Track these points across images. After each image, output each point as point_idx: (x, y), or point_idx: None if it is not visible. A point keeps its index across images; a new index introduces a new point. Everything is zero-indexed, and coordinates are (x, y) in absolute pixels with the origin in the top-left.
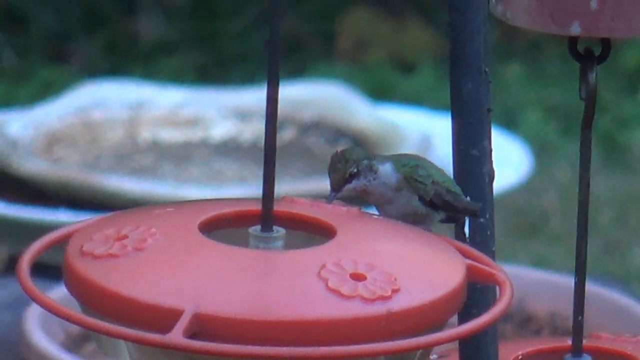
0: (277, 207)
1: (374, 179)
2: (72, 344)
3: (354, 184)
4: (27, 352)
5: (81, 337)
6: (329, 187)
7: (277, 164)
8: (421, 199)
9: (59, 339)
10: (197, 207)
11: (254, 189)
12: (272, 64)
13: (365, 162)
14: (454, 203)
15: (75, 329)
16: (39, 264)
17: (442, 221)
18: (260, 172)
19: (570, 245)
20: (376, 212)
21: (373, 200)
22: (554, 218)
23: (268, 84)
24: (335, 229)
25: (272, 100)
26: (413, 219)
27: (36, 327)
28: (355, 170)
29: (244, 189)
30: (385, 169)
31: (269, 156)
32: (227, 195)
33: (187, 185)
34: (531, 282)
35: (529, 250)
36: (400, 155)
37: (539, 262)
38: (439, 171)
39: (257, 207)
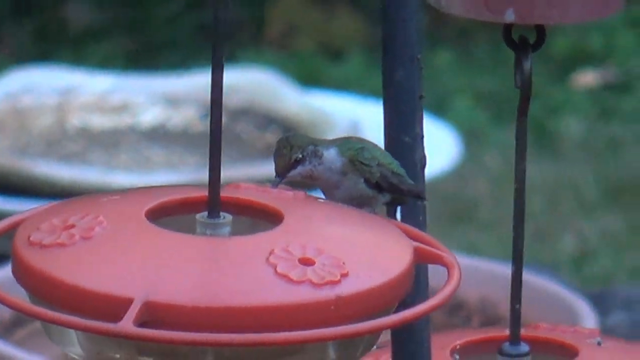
0: (223, 193)
1: (319, 164)
2: (3, 330)
3: (299, 169)
4: None
5: (12, 324)
6: (273, 172)
7: (205, 151)
8: (367, 181)
9: None
10: (143, 195)
11: (183, 175)
12: (216, 48)
13: (311, 147)
14: (399, 185)
15: (6, 315)
16: None
17: (386, 204)
18: (189, 159)
19: (500, 232)
20: (322, 196)
21: (320, 185)
22: (484, 205)
23: (213, 69)
24: (282, 214)
25: (216, 85)
26: (359, 202)
27: None
28: (300, 156)
29: (173, 175)
30: (330, 154)
31: (215, 142)
32: (156, 181)
33: (116, 172)
34: (462, 269)
35: (459, 237)
36: (345, 139)
37: (469, 249)
38: (384, 153)
39: (204, 193)
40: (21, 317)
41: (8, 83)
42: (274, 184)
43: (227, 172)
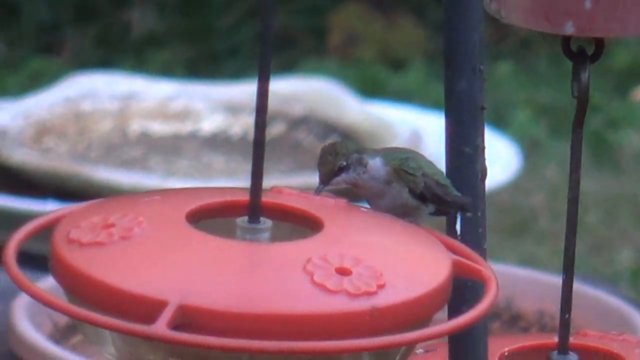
0: (265, 198)
1: (364, 173)
2: (60, 335)
3: (342, 177)
4: (14, 342)
5: (68, 329)
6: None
7: (265, 159)
8: (411, 191)
9: (47, 330)
10: (184, 196)
11: (242, 183)
12: (263, 57)
13: (355, 155)
14: (444, 196)
15: (62, 320)
16: (31, 254)
17: (431, 214)
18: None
19: (557, 244)
20: (364, 205)
21: (363, 194)
22: (542, 217)
23: (259, 78)
24: (323, 222)
25: (262, 93)
26: (402, 212)
27: (23, 317)
28: (344, 163)
29: (232, 182)
30: (375, 163)
31: (258, 146)
32: None
33: (176, 178)
34: (519, 280)
35: (516, 249)
36: (391, 148)
37: (527, 261)
38: (429, 163)
39: (245, 197)
40: (75, 320)
41: (69, 88)
42: (317, 191)
43: (284, 180)
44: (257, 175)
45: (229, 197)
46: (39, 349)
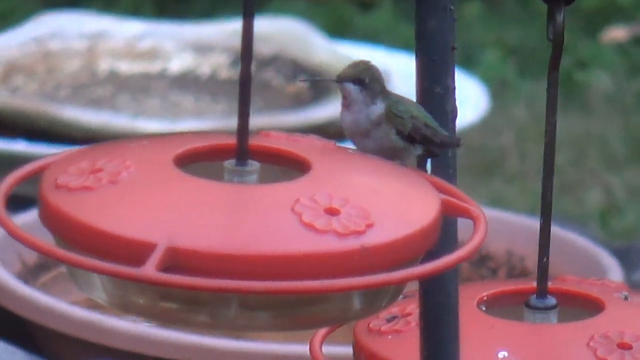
0: (252, 141)
1: (365, 105)
2: (29, 274)
3: (352, 87)
4: None
5: (38, 267)
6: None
7: (233, 98)
8: (399, 132)
9: (15, 269)
10: (172, 141)
11: (211, 122)
12: None
13: (378, 87)
14: (432, 137)
15: (32, 258)
16: (18, 196)
17: (420, 156)
18: (216, 106)
19: (526, 184)
20: (353, 147)
21: (349, 132)
22: (511, 157)
23: (244, 16)
24: (311, 163)
25: (247, 32)
26: (390, 154)
27: None
28: (366, 80)
29: (201, 122)
30: (378, 105)
31: (244, 89)
32: (183, 128)
33: (144, 117)
34: (488, 220)
35: (485, 189)
36: (397, 95)
37: (496, 201)
38: (418, 107)
39: (232, 140)
40: (46, 261)
41: (36, 27)
42: (325, 79)
43: (254, 120)
44: (243, 117)
45: (216, 141)
46: (7, 288)
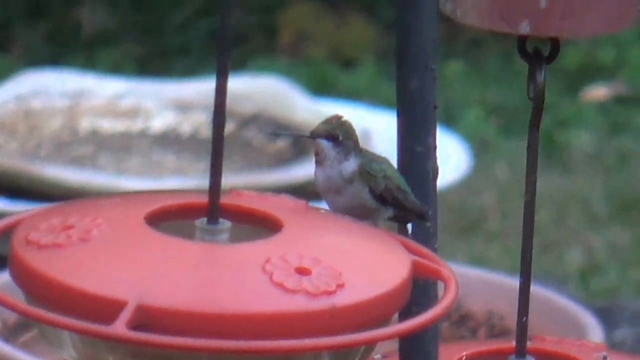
0: (224, 200)
1: (338, 161)
2: (9, 333)
3: (326, 144)
4: None
5: (18, 326)
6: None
7: None
8: (371, 191)
9: None
10: (143, 199)
11: (193, 181)
12: (221, 55)
13: (351, 144)
14: (403, 201)
15: (12, 317)
16: None
17: (390, 219)
18: (198, 164)
19: (507, 244)
20: (325, 207)
21: (322, 188)
22: (492, 217)
23: (217, 75)
24: (282, 223)
25: (220, 91)
26: (361, 212)
27: None
28: (340, 137)
29: (183, 180)
30: (351, 162)
31: (217, 148)
32: (166, 186)
33: (126, 176)
34: (468, 280)
35: (466, 248)
36: (371, 153)
37: (477, 261)
38: (392, 169)
39: (204, 199)
40: (27, 321)
41: (19, 85)
42: (302, 135)
43: (234, 179)
44: (215, 176)
45: (187, 199)
46: None
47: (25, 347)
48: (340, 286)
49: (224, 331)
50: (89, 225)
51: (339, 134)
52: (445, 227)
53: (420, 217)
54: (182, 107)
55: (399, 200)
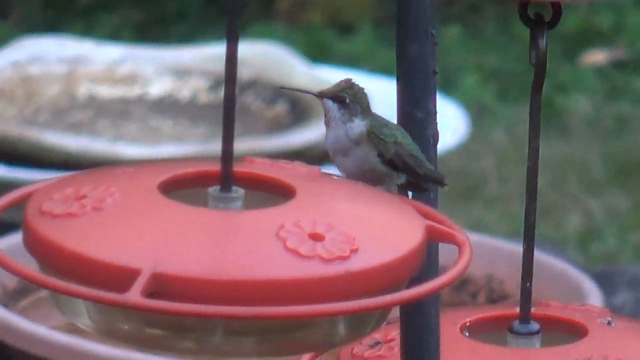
0: (237, 168)
1: (342, 122)
2: (8, 299)
3: (332, 105)
4: None
5: (17, 292)
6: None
7: (213, 123)
8: (380, 155)
9: None
10: (156, 168)
11: (190, 147)
12: (231, 21)
13: (358, 108)
14: (416, 167)
15: (11, 283)
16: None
17: (404, 187)
18: (196, 130)
19: (506, 208)
20: (337, 173)
21: (330, 149)
22: (491, 181)
23: (227, 42)
24: (295, 190)
25: (231, 58)
26: (372, 177)
27: None
28: (347, 100)
29: (180, 146)
30: (355, 123)
31: (229, 115)
32: (163, 152)
33: (124, 142)
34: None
35: (465, 214)
36: (383, 119)
37: (476, 226)
38: (405, 136)
39: (217, 167)
40: (26, 286)
41: (16, 52)
42: (311, 93)
43: (235, 144)
44: (227, 143)
45: (200, 168)
46: None
47: (25, 312)
48: (354, 251)
49: (238, 298)
50: (103, 195)
51: (345, 97)
52: (443, 192)
53: (436, 184)
54: (180, 72)
55: (411, 166)
